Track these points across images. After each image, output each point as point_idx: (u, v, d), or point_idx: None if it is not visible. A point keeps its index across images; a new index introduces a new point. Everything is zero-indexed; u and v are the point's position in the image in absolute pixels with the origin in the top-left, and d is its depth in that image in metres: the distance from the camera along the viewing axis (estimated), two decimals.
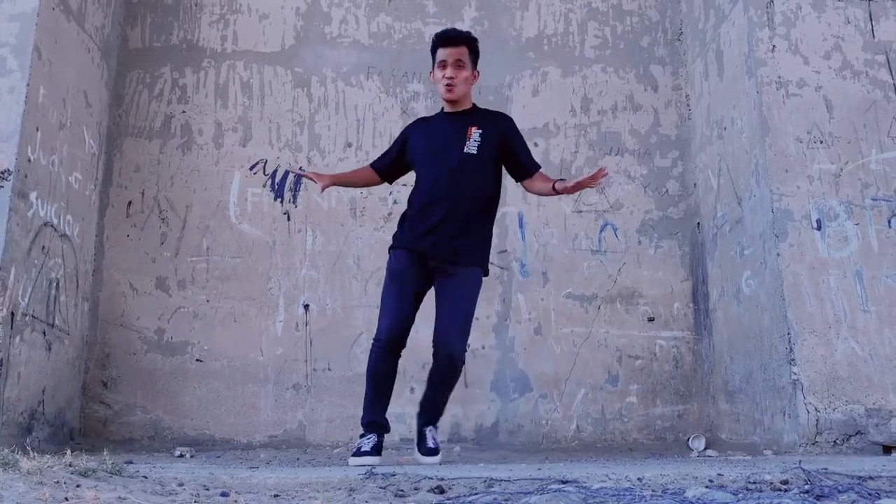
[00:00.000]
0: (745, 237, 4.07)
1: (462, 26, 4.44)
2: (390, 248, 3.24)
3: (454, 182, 3.14)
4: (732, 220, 4.21)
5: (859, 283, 3.69)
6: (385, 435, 3.10)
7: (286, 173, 4.56)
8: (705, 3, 4.63)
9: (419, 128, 3.40)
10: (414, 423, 3.34)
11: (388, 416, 3.13)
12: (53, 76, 3.67)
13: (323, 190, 3.34)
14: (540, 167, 3.33)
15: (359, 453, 2.98)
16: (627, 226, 4.67)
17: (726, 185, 4.29)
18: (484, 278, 3.21)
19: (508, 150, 3.28)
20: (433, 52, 3.29)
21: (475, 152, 3.19)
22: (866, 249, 3.74)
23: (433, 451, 3.14)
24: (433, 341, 3.12)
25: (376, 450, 3.01)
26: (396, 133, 4.65)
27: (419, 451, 3.19)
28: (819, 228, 3.75)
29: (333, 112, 4.69)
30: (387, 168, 3.44)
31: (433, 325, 3.13)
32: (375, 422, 3.08)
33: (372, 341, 3.13)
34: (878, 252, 3.74)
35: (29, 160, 3.43)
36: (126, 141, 4.54)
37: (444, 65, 3.22)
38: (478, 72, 3.34)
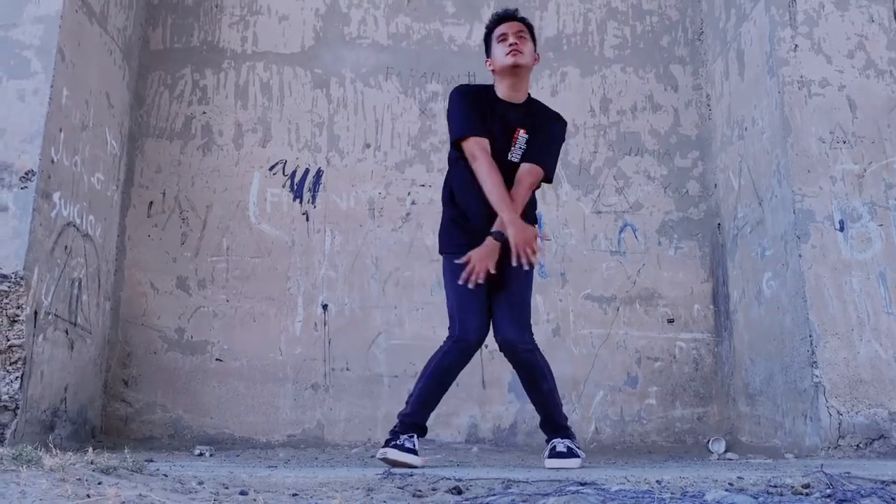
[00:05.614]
0: (766, 238, 4.03)
1: (480, 27, 4.42)
2: (450, 251, 2.93)
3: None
4: (753, 221, 4.18)
5: (883, 284, 3.64)
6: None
7: (305, 173, 4.58)
8: (726, 2, 4.60)
9: (485, 105, 2.95)
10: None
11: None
12: (76, 78, 3.71)
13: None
14: (541, 171, 2.93)
15: (404, 448, 2.70)
16: (647, 227, 4.65)
17: (747, 186, 4.25)
18: None
19: None
20: (488, 36, 3.02)
21: (517, 161, 2.92)
22: (890, 251, 3.69)
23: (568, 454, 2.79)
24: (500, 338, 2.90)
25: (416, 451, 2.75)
26: (415, 133, 4.69)
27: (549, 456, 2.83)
28: (842, 229, 3.71)
29: (352, 113, 4.71)
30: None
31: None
32: (423, 425, 2.84)
33: (450, 340, 2.85)
34: None
35: (52, 161, 3.47)
36: (147, 142, 4.58)
37: (504, 37, 2.92)
38: (538, 54, 3.05)
